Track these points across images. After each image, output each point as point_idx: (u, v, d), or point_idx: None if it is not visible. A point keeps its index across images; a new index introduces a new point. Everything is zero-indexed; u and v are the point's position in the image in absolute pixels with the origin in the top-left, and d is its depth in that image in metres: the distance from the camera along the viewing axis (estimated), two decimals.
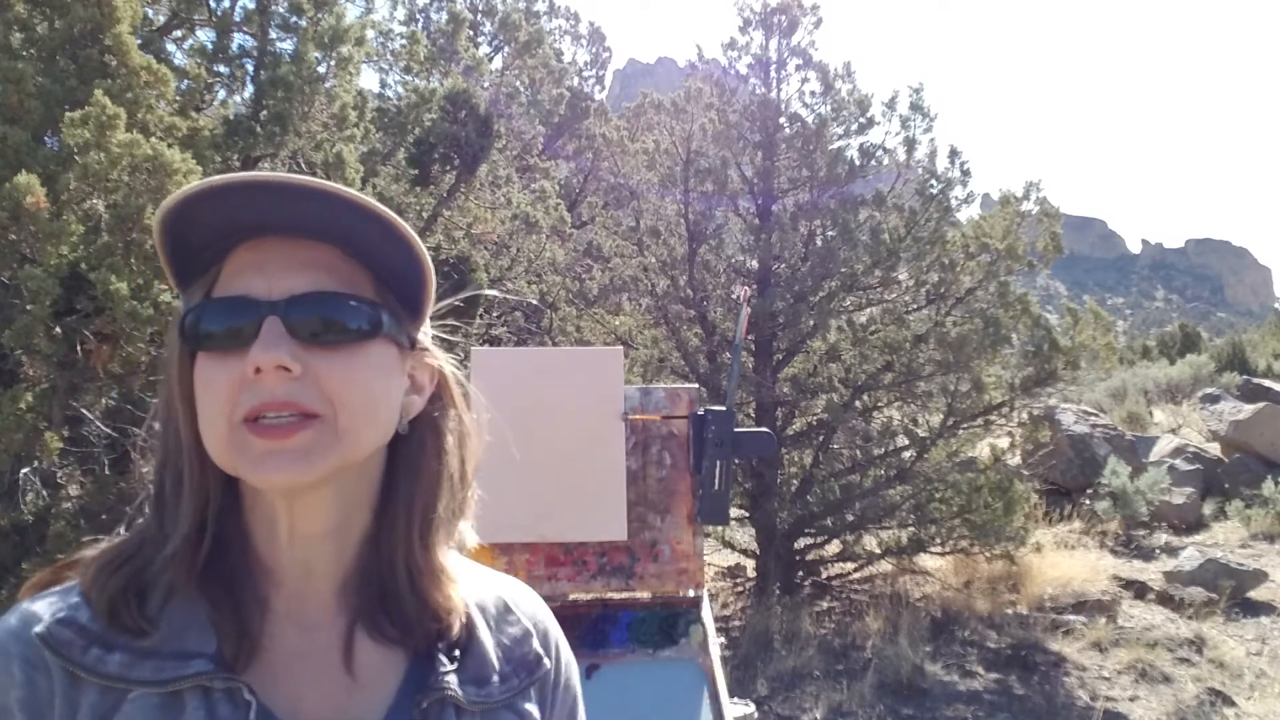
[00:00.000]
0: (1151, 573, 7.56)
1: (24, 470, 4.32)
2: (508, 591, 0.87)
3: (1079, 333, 6.99)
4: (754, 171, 7.62)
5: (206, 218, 0.69)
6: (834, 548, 7.65)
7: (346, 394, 0.70)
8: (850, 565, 7.62)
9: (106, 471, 4.43)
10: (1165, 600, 6.92)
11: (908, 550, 7.16)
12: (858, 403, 7.27)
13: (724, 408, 2.42)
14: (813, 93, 7.60)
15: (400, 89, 9.56)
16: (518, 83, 11.58)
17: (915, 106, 7.37)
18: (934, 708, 5.46)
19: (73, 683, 0.66)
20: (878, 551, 7.45)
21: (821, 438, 7.51)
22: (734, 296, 7.37)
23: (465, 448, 0.83)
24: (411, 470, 0.78)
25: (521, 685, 0.81)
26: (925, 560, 7.52)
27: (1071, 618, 6.54)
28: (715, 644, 2.36)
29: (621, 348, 2.75)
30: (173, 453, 0.73)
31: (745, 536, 7.90)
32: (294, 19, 5.59)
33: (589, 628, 2.35)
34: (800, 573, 7.60)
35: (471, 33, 10.95)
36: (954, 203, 7.31)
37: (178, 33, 6.30)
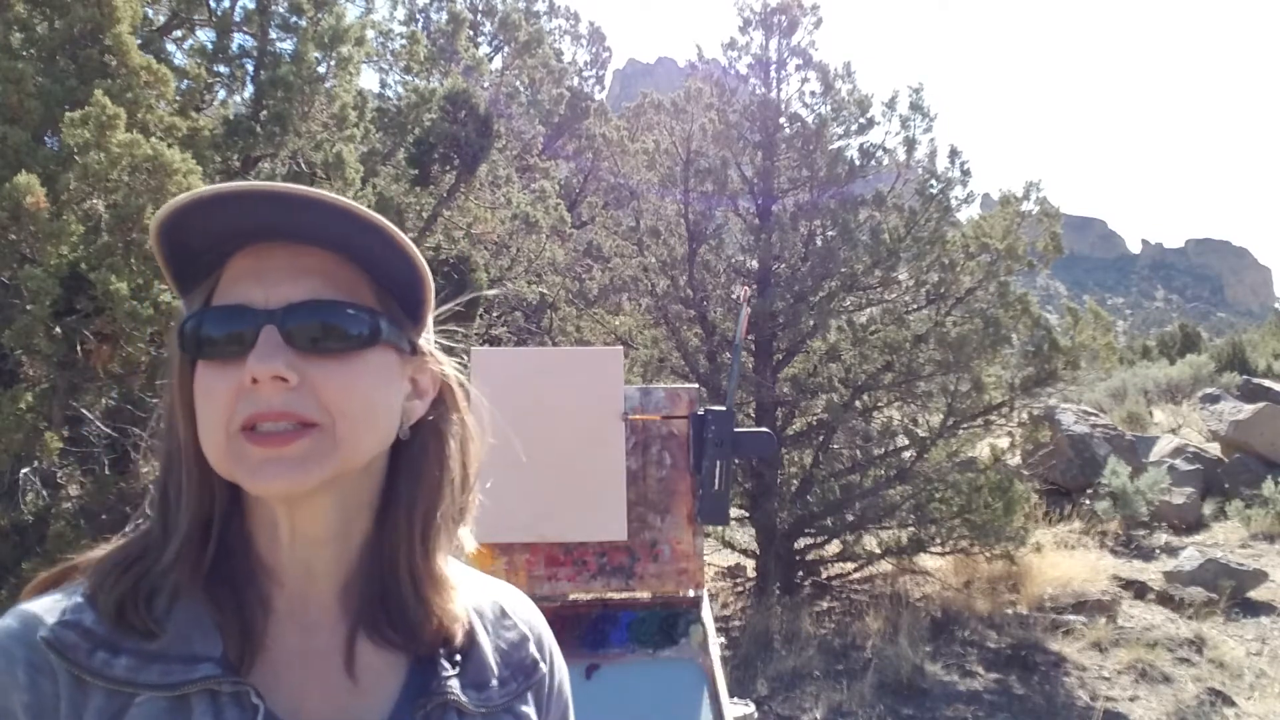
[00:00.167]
0: (1151, 573, 7.56)
1: (24, 470, 4.32)
2: (503, 597, 0.87)
3: (1079, 333, 6.99)
4: (754, 171, 7.62)
5: (204, 224, 0.69)
6: (834, 548, 7.65)
7: (345, 402, 0.70)
8: (850, 565, 7.62)
9: (106, 471, 4.43)
10: (1165, 600, 6.92)
11: (908, 550, 7.16)
12: (858, 403, 7.27)
13: (724, 408, 2.42)
14: (813, 93, 7.61)
15: (400, 89, 9.56)
16: (518, 83, 11.57)
17: (915, 106, 7.37)
18: (934, 708, 5.46)
19: (78, 686, 0.65)
20: (878, 551, 7.44)
21: (821, 438, 7.51)
22: (734, 296, 7.37)
23: (467, 453, 0.83)
24: (413, 475, 0.78)
25: (519, 689, 0.82)
26: (925, 560, 7.52)
27: (1071, 618, 6.54)
28: (715, 644, 2.36)
29: (621, 348, 2.75)
30: (175, 457, 0.73)
31: (745, 536, 7.90)
32: (294, 19, 5.59)
33: (589, 628, 2.35)
34: (800, 573, 7.60)
35: (471, 33, 10.95)
36: (954, 203, 7.32)
37: (178, 33, 6.30)
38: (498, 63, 11.05)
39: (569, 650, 2.47)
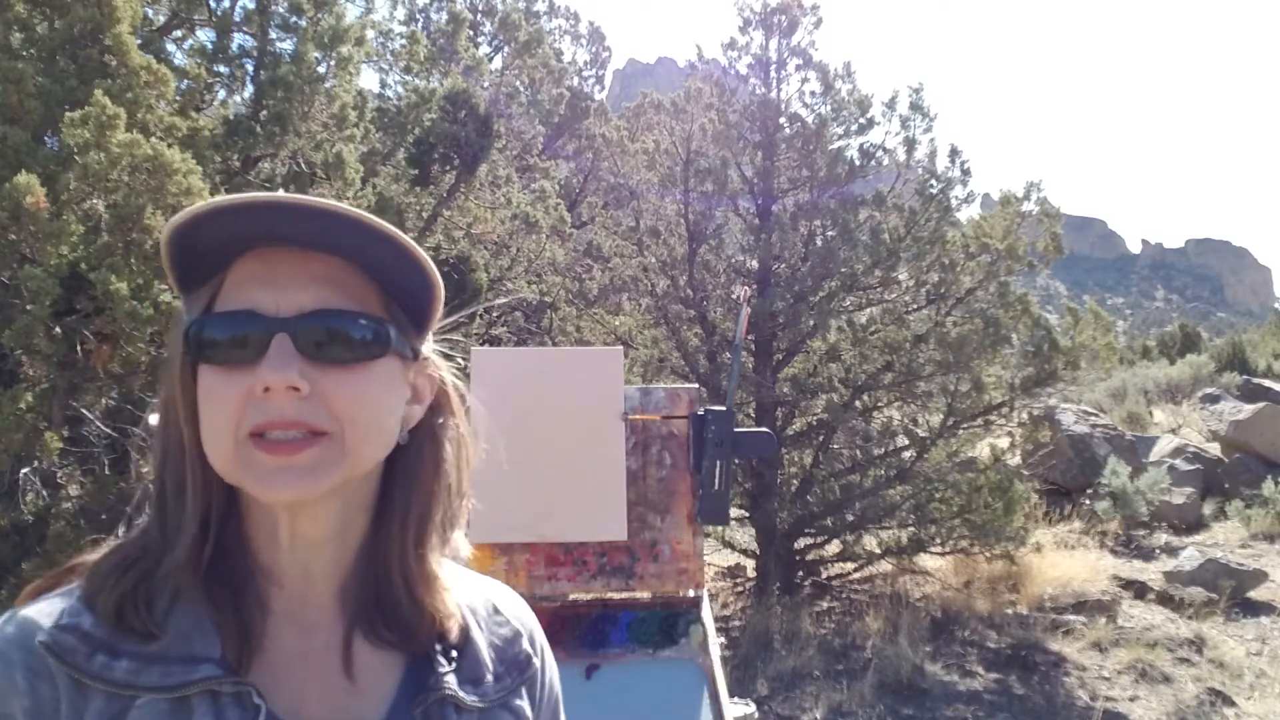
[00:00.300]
0: (1151, 573, 7.56)
1: (24, 470, 4.32)
2: (494, 595, 0.88)
3: (1079, 333, 6.99)
4: (754, 171, 7.61)
5: (217, 232, 0.69)
6: (834, 548, 7.65)
7: (355, 411, 0.70)
8: (850, 565, 7.62)
9: (106, 471, 4.43)
10: (1165, 600, 6.92)
11: (908, 550, 7.16)
12: (858, 403, 7.27)
13: (724, 408, 2.42)
14: (813, 93, 7.61)
15: (400, 89, 9.56)
16: (518, 83, 11.57)
17: (915, 106, 7.37)
18: (934, 708, 5.46)
19: (78, 690, 0.65)
20: (878, 551, 7.44)
21: (821, 438, 7.51)
22: (734, 296, 7.37)
23: (462, 457, 0.83)
24: (409, 479, 0.79)
25: (514, 684, 0.83)
26: (925, 560, 7.52)
27: (1071, 618, 6.54)
28: (715, 644, 2.36)
29: (621, 348, 2.75)
30: (173, 458, 0.73)
31: (745, 536, 7.90)
32: (294, 19, 5.59)
33: (589, 628, 2.35)
34: (800, 573, 7.60)
35: (471, 33, 10.95)
36: (954, 203, 7.32)
37: (178, 33, 6.30)
38: (498, 63, 11.06)
39: (569, 650, 2.47)
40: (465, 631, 0.81)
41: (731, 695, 2.36)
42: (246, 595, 0.72)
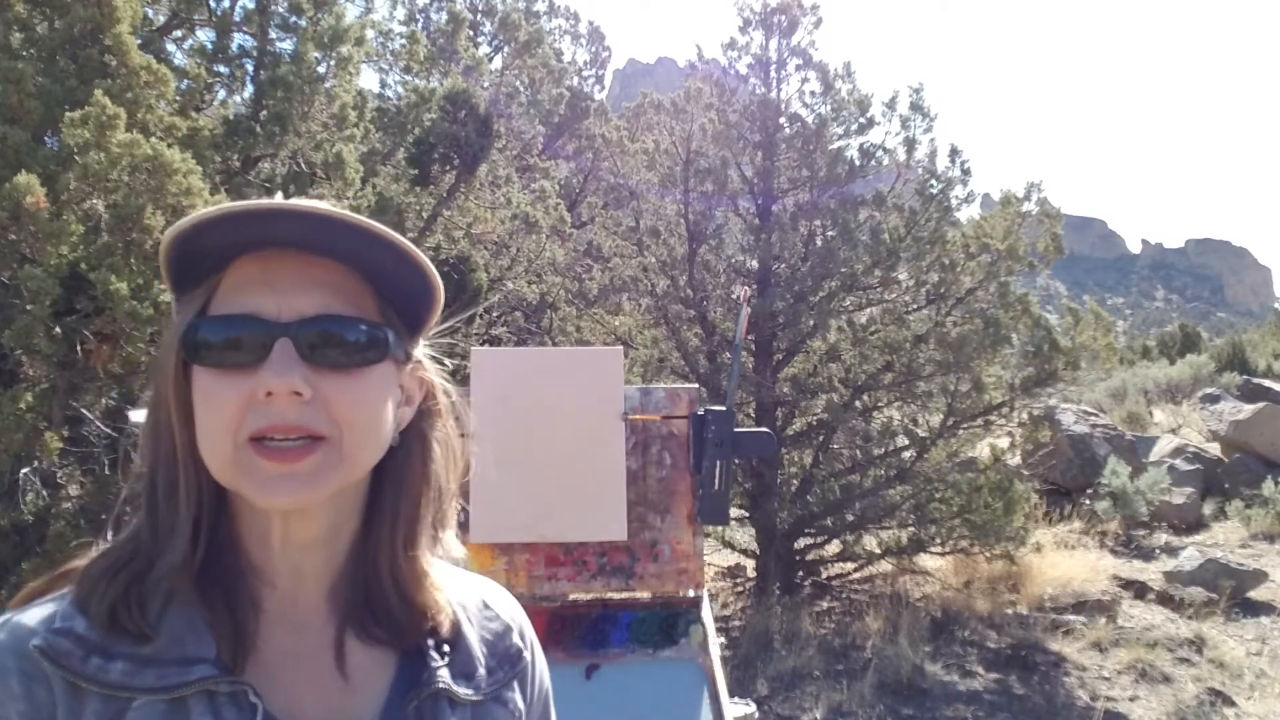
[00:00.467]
0: (1151, 573, 7.56)
1: (24, 470, 4.32)
2: (483, 591, 0.89)
3: (1079, 333, 6.99)
4: (754, 171, 7.61)
5: (218, 237, 0.69)
6: (834, 548, 7.65)
7: (354, 416, 0.71)
8: (850, 565, 7.62)
9: (106, 471, 4.42)
10: (1165, 600, 6.92)
11: (908, 550, 7.16)
12: (858, 403, 7.27)
13: (724, 408, 2.42)
14: (813, 93, 7.60)
15: (400, 89, 9.56)
16: (518, 83, 11.57)
17: (915, 106, 7.37)
18: (934, 708, 5.46)
19: (74, 693, 0.65)
20: (878, 551, 7.44)
21: (821, 438, 7.51)
22: (734, 296, 7.37)
23: (450, 458, 0.84)
24: (398, 480, 0.79)
25: (506, 678, 0.84)
26: (925, 560, 7.52)
27: (1071, 618, 6.54)
28: (715, 644, 2.36)
29: (621, 348, 2.75)
30: (165, 459, 0.73)
31: (745, 536, 7.90)
32: (294, 19, 5.59)
33: (589, 628, 2.35)
34: (800, 573, 7.60)
35: (471, 33, 10.95)
36: (954, 203, 7.31)
37: (178, 33, 6.30)
38: (498, 63, 11.05)
39: (569, 650, 2.47)
40: (456, 626, 0.81)
41: (731, 695, 2.36)
42: (239, 596, 0.72)
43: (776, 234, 7.19)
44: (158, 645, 0.68)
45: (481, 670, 0.81)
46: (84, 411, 4.33)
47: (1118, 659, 5.95)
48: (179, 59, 6.15)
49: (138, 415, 0.76)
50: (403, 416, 0.79)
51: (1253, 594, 6.98)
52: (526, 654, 0.87)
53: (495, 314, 8.96)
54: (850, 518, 7.28)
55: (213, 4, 6.02)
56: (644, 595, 2.42)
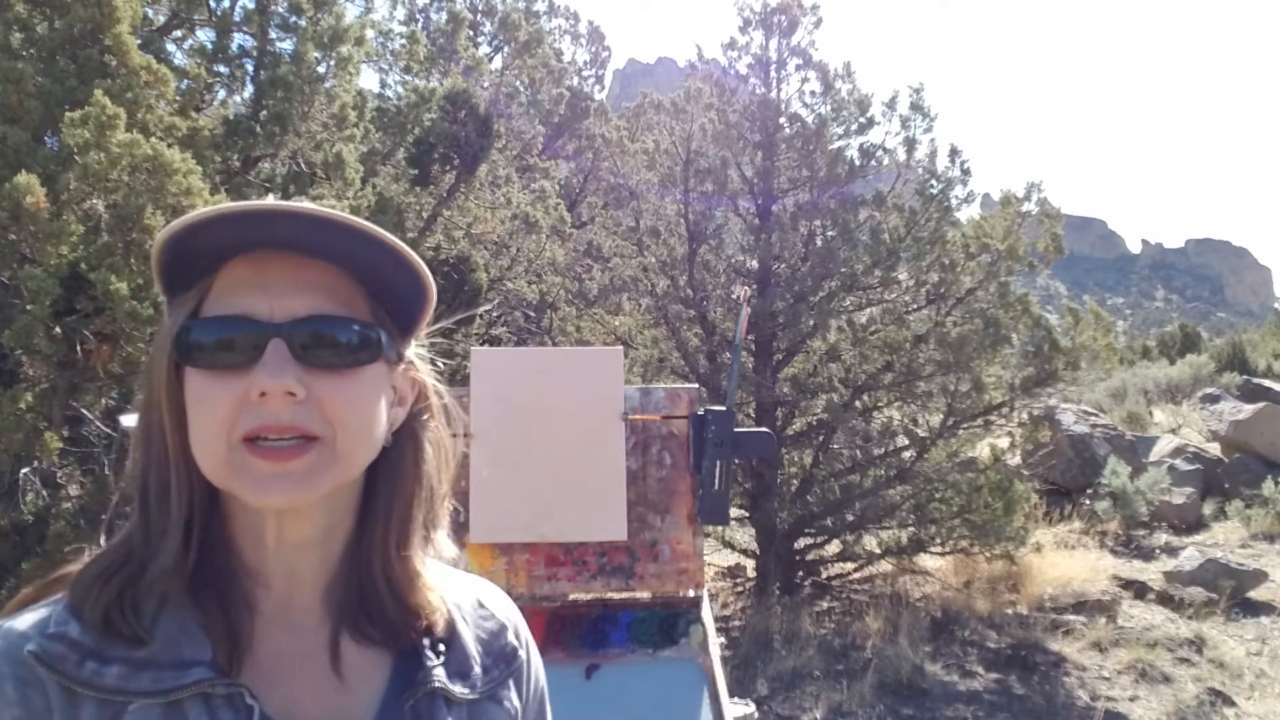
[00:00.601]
0: (1151, 573, 7.56)
1: (24, 470, 4.32)
2: (478, 590, 0.89)
3: (1079, 333, 6.99)
4: (754, 171, 7.61)
5: (212, 239, 0.69)
6: (834, 548, 7.65)
7: (347, 416, 0.71)
8: (850, 565, 7.62)
9: (106, 471, 4.42)
10: (1165, 600, 6.92)
11: (908, 550, 7.16)
12: (858, 403, 7.27)
13: (724, 408, 2.42)
14: (813, 93, 7.60)
15: (400, 89, 9.56)
16: (518, 83, 11.57)
17: (915, 106, 7.37)
18: (934, 708, 5.45)
19: (69, 698, 0.65)
20: (878, 551, 7.44)
21: (821, 438, 7.50)
22: (734, 296, 7.37)
23: (442, 459, 0.84)
24: (391, 481, 0.79)
25: (502, 676, 0.84)
26: (925, 560, 7.52)
27: (1071, 618, 6.54)
28: (715, 644, 2.36)
29: (621, 348, 2.75)
30: (157, 462, 0.72)
31: (745, 536, 7.90)
32: (294, 19, 5.59)
33: (589, 628, 2.35)
34: (800, 573, 7.60)
35: (471, 33, 10.95)
36: (954, 203, 7.31)
37: (178, 33, 6.30)
38: (498, 63, 11.05)
39: (569, 650, 2.47)
40: (451, 626, 0.81)
41: (731, 695, 2.36)
42: (233, 597, 0.72)
43: (776, 234, 7.19)
44: (153, 649, 0.68)
45: (477, 669, 0.81)
46: (84, 411, 4.33)
47: (1118, 659, 5.95)
48: (179, 59, 6.16)
49: (129, 420, 0.76)
50: (395, 417, 0.79)
51: (1253, 594, 6.98)
52: (522, 653, 0.87)
53: (495, 314, 8.96)
54: (850, 518, 7.27)
55: (213, 4, 6.02)
56: (644, 595, 2.42)
